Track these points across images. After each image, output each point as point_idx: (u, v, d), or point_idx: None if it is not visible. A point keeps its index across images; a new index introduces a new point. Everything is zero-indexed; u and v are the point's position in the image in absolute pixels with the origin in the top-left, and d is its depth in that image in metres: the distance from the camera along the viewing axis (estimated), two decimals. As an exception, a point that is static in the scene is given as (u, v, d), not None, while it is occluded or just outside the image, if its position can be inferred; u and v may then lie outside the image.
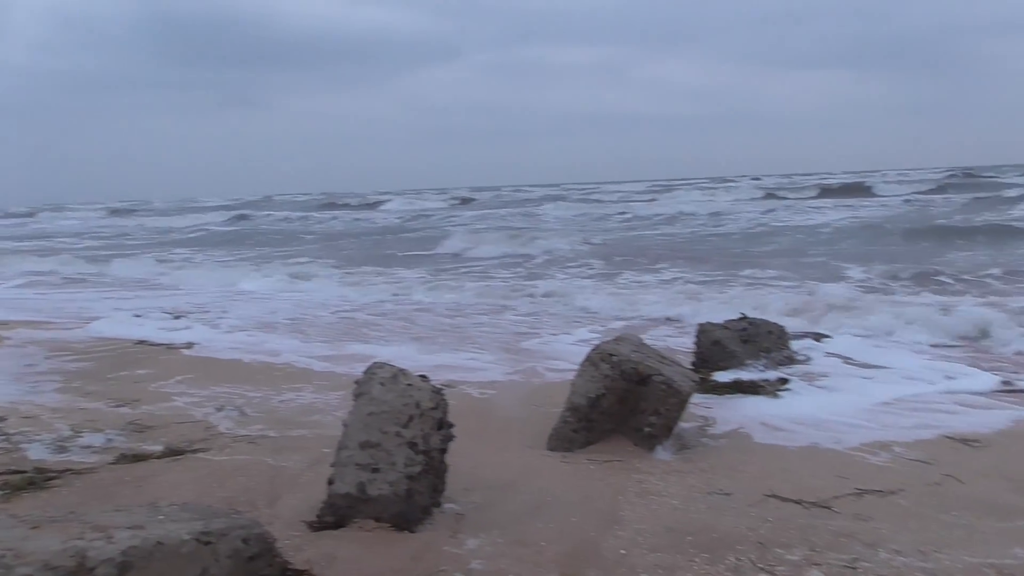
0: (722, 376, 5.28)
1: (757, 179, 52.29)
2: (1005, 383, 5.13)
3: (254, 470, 3.60)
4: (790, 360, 5.73)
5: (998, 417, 4.32)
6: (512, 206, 35.46)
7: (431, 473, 3.05)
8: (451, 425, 3.19)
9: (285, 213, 37.02)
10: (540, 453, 3.98)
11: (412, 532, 2.91)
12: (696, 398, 4.73)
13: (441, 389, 3.20)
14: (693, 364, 5.59)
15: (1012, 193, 25.02)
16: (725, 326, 5.72)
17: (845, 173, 53.42)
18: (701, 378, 5.11)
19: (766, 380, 5.14)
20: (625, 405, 4.05)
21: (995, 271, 10.72)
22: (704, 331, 5.65)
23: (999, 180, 33.83)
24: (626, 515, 3.10)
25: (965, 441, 3.92)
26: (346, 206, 41.70)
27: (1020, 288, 9.34)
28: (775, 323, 5.97)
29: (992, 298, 8.55)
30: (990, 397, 4.83)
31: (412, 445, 2.97)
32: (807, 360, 5.74)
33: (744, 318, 5.87)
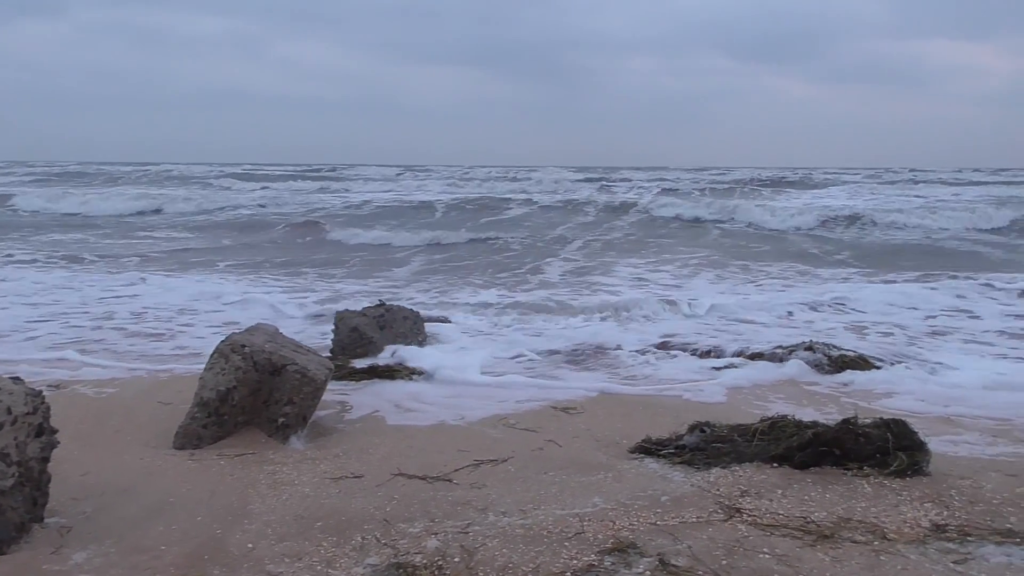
0: (359, 362, 5.43)
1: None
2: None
3: None
4: (425, 344, 6.06)
5: (590, 386, 5.03)
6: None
7: (28, 485, 2.74)
8: (54, 431, 2.88)
9: None
10: (165, 452, 3.76)
11: (3, 554, 2.58)
12: (334, 385, 4.82)
13: (40, 391, 2.87)
14: (332, 351, 5.66)
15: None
16: (363, 313, 5.88)
17: (483, 167, 57.65)
18: (339, 365, 5.20)
19: (401, 364, 5.39)
20: (258, 397, 3.99)
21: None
22: (342, 318, 5.75)
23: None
24: (255, 508, 3.07)
25: (565, 409, 4.51)
26: None
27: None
28: (411, 309, 6.27)
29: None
30: (583, 368, 5.62)
31: (2, 456, 2.63)
32: (439, 343, 6.12)
33: (381, 304, 6.08)
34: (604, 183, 35.52)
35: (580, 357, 5.98)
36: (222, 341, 4.08)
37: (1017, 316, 7.75)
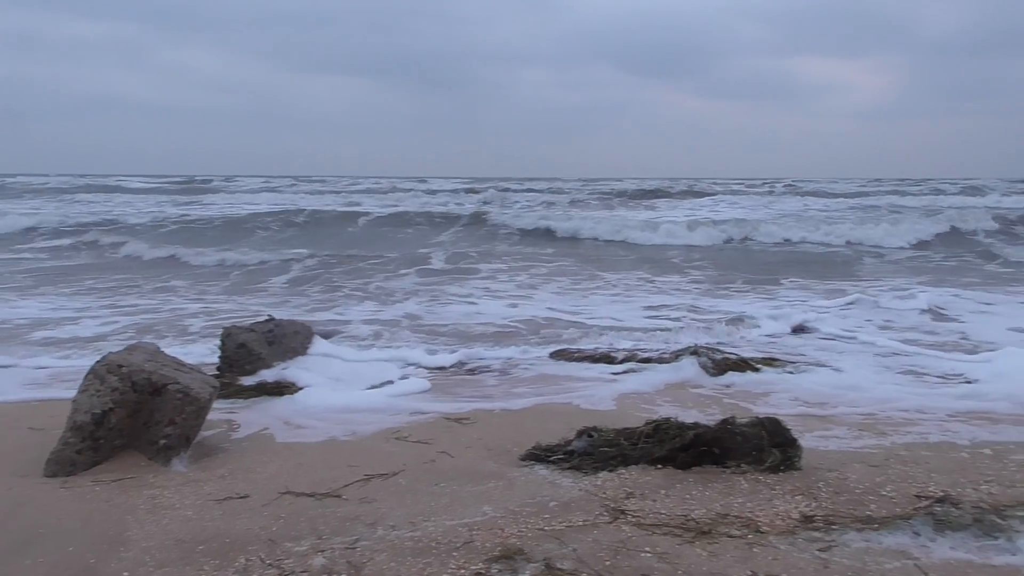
0: (248, 379, 5.29)
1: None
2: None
3: None
4: (316, 359, 5.95)
5: (484, 396, 5.07)
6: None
7: None
8: (-94, 463, 2.70)
9: None
10: (35, 481, 3.56)
11: None
12: (221, 404, 4.70)
13: None
14: (219, 369, 5.50)
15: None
16: (251, 328, 5.73)
17: (378, 178, 57.20)
18: (226, 383, 5.06)
19: (291, 380, 5.28)
20: (138, 419, 3.84)
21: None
22: (229, 335, 5.59)
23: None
24: (133, 535, 2.95)
25: (458, 420, 4.52)
26: None
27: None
28: (302, 323, 6.16)
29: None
30: (476, 377, 5.66)
31: None
32: (331, 358, 6.02)
33: (270, 319, 5.95)
34: (494, 191, 35.90)
35: (472, 367, 6.02)
36: (97, 362, 3.91)
37: (882, 321, 8.27)
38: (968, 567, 2.64)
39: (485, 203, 28.69)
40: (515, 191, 37.77)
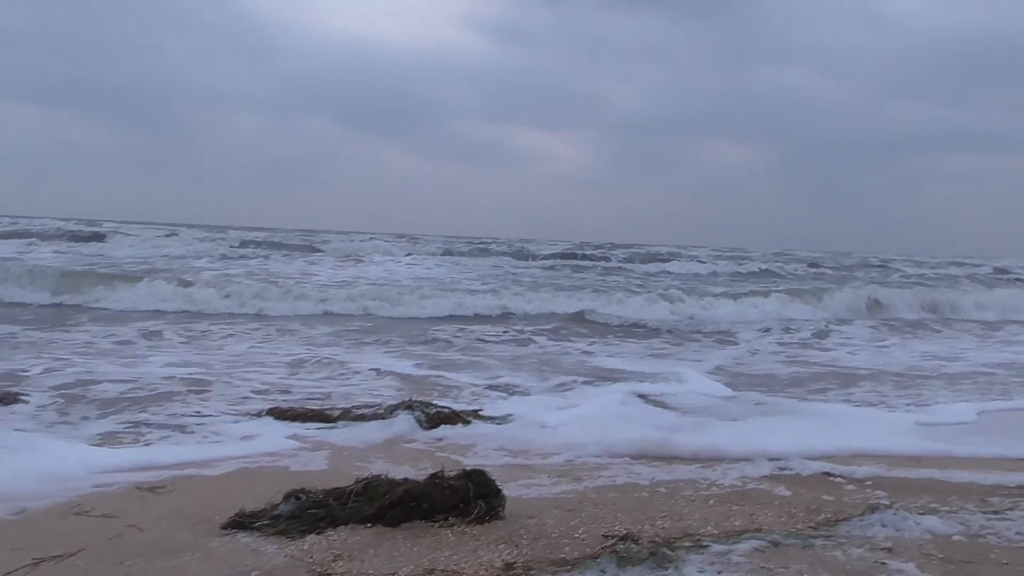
0: None
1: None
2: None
3: None
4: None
5: (180, 461, 4.70)
6: None
7: None
8: None
9: None
10: None
11: None
12: None
13: None
14: None
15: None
16: None
17: (52, 219, 50.49)
18: None
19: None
20: None
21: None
22: None
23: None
24: None
25: (152, 489, 4.14)
26: None
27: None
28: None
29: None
30: (171, 440, 5.24)
31: None
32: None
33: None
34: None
35: (165, 427, 5.57)
36: None
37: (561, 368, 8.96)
38: (644, 598, 2.92)
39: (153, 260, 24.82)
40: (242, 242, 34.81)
